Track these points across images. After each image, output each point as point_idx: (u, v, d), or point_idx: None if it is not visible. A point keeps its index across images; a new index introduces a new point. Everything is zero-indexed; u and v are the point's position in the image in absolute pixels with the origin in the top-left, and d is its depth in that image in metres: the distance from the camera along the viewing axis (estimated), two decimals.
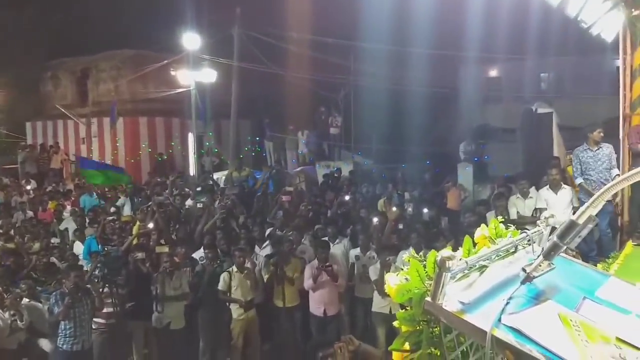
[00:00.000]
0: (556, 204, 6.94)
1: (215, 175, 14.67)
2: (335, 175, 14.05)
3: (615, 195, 6.53)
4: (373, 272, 6.88)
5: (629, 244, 5.90)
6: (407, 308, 1.28)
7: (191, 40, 16.98)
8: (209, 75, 18.09)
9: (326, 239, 7.86)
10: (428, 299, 1.19)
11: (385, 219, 8.13)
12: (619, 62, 6.69)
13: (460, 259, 1.25)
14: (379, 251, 7.15)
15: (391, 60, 17.63)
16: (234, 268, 7.08)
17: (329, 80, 19.62)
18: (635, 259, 5.47)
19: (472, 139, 14.82)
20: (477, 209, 8.67)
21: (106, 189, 13.59)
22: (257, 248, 8.14)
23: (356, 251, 7.62)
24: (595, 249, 6.55)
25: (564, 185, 7.11)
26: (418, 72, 17.87)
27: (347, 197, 10.75)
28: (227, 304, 7.10)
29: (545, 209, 6.81)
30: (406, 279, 1.31)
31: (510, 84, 20.04)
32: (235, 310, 7.08)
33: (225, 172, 15.06)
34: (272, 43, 17.45)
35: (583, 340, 1.14)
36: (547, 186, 7.23)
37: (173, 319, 6.88)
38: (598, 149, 6.56)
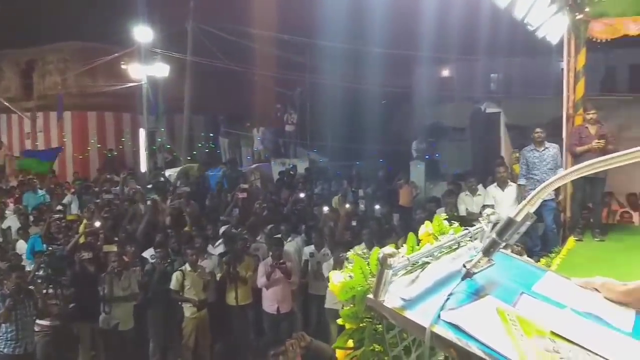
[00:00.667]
0: (503, 201, 7.16)
1: (168, 172, 14.35)
2: (291, 172, 14.04)
3: (559, 192, 6.80)
4: (327, 269, 6.92)
5: (571, 240, 6.17)
6: (351, 305, 1.29)
7: (143, 33, 16.53)
8: (161, 70, 17.66)
9: (280, 236, 7.83)
10: (370, 296, 1.19)
11: (339, 216, 8.19)
12: (564, 64, 6.96)
13: (402, 256, 1.25)
14: (333, 248, 7.21)
15: (347, 58, 17.75)
16: (187, 267, 6.98)
17: (285, 77, 19.56)
18: (576, 253, 5.73)
19: (424, 138, 15.14)
20: (428, 205, 8.88)
21: (52, 186, 13.07)
22: (209, 246, 8.03)
23: (310, 248, 7.64)
24: (540, 244, 6.80)
25: (510, 183, 7.33)
26: (373, 71, 18.06)
27: (302, 195, 10.77)
28: (179, 303, 6.98)
29: (493, 205, 7.02)
30: (350, 276, 1.31)
31: (462, 84, 20.58)
32: (188, 310, 6.98)
33: (178, 169, 14.78)
34: (227, 38, 17.22)
35: (519, 335, 1.16)
36: (495, 184, 7.46)
37: (121, 319, 6.70)
38: (544, 149, 6.75)
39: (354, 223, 8.65)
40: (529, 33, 6.09)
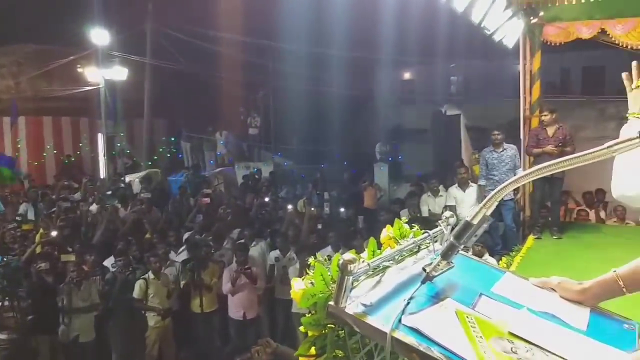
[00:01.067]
0: (464, 202, 7.31)
1: (128, 178, 14.03)
2: (256, 176, 13.95)
3: (517, 192, 6.98)
4: (293, 273, 6.90)
5: (530, 238, 6.35)
6: (313, 313, 1.27)
7: (100, 35, 16.07)
8: (119, 73, 17.23)
9: (244, 241, 7.77)
10: (331, 302, 1.18)
11: (304, 220, 8.19)
12: (520, 67, 7.16)
13: (362, 262, 1.25)
14: (299, 252, 7.19)
15: (310, 61, 17.78)
16: (150, 275, 6.86)
17: (248, 80, 19.45)
18: (536, 251, 5.90)
19: (387, 140, 15.32)
20: (392, 207, 8.99)
21: (7, 193, 12.58)
22: (172, 254, 7.89)
23: (275, 253, 7.60)
24: (501, 243, 6.96)
25: (471, 184, 7.49)
26: (336, 74, 18.17)
27: (266, 199, 10.71)
28: (143, 312, 6.84)
29: (454, 206, 7.15)
30: (311, 283, 1.30)
31: (423, 87, 20.93)
32: (152, 319, 6.86)
33: (139, 174, 14.47)
34: (189, 40, 16.97)
35: (478, 336, 1.18)
36: (456, 184, 7.61)
37: (82, 331, 6.52)
38: (502, 150, 6.93)
39: (319, 226, 8.67)
40: (487, 37, 6.23)
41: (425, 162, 13.46)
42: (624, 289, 1.46)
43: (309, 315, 1.27)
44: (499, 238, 7.07)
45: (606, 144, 1.17)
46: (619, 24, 6.46)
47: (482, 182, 7.04)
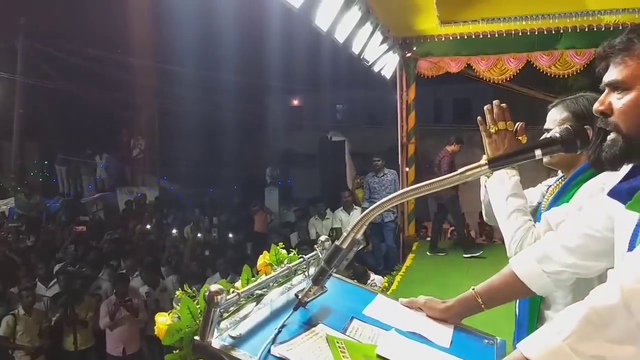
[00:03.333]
0: (349, 224, 7.51)
1: None
2: (140, 201, 13.28)
3: (396, 214, 7.34)
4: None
5: (410, 257, 6.68)
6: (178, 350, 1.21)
7: None
8: None
9: (125, 271, 7.33)
10: (197, 337, 1.13)
11: (190, 246, 7.93)
12: (397, 97, 7.61)
13: (232, 292, 1.22)
14: (184, 280, 6.90)
15: (200, 84, 17.50)
16: (20, 310, 6.28)
17: (132, 101, 18.56)
18: (414, 270, 6.22)
19: (277, 164, 15.43)
20: (282, 230, 9.02)
21: None
22: (42, 287, 7.21)
23: (146, 288, 7.24)
24: (383, 263, 7.25)
25: (355, 207, 7.78)
26: (226, 98, 18.03)
27: (150, 225, 10.22)
28: (10, 351, 6.17)
29: (340, 228, 7.35)
30: (178, 317, 1.23)
31: (310, 114, 21.48)
32: (20, 359, 6.25)
33: (6, 200, 13.14)
34: (66, 58, 15.90)
35: None
36: (341, 207, 7.85)
37: None
38: (383, 175, 7.29)
39: (207, 252, 8.44)
40: (367, 68, 6.55)
41: (314, 186, 13.72)
42: (482, 306, 1.58)
43: (175, 352, 1.21)
44: (382, 258, 7.37)
45: (459, 170, 1.27)
46: (483, 60, 7.14)
47: (365, 205, 7.33)
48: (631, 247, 1.10)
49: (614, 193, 1.17)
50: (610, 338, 0.94)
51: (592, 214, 1.38)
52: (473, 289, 1.61)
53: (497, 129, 1.81)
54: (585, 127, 1.32)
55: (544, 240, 1.55)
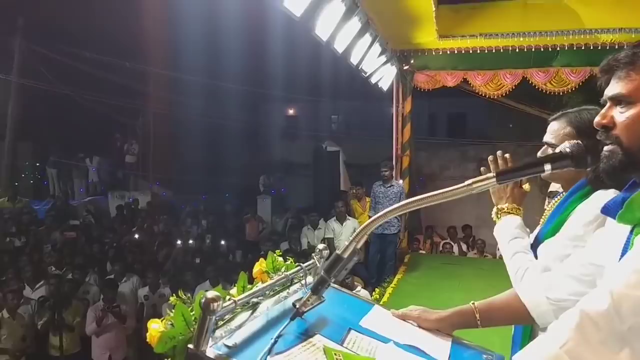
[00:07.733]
0: (342, 234, 7.51)
1: None
2: (132, 206, 13.18)
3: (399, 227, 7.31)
4: (165, 311, 6.52)
5: (401, 270, 6.65)
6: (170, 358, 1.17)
7: None
8: None
9: (113, 277, 7.24)
10: (191, 345, 1.09)
11: (181, 253, 7.85)
12: (393, 109, 7.63)
13: (228, 299, 1.19)
14: (174, 287, 6.83)
15: (195, 91, 17.44)
16: (5, 313, 6.21)
17: (127, 105, 18.47)
18: (406, 282, 6.19)
19: (271, 173, 15.40)
20: (274, 239, 8.95)
21: None
22: (29, 290, 7.10)
23: (144, 290, 7.16)
24: (375, 275, 7.20)
25: (348, 217, 7.74)
26: (221, 105, 18.00)
27: (141, 231, 10.13)
28: None
29: (332, 238, 7.32)
30: (171, 324, 1.20)
31: (306, 123, 21.48)
32: None
33: None
34: (62, 61, 15.82)
35: None
36: (334, 217, 7.80)
37: None
38: (390, 186, 7.20)
39: (197, 260, 8.36)
40: (364, 79, 6.56)
41: (307, 195, 13.71)
42: (479, 322, 1.57)
43: None
44: (375, 271, 7.32)
45: (466, 182, 1.25)
46: (479, 75, 7.18)
47: (371, 213, 7.31)
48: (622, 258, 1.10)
49: (606, 209, 1.17)
50: (604, 343, 0.95)
51: (597, 246, 1.37)
52: (473, 304, 1.59)
53: None
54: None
55: (551, 272, 1.58)
